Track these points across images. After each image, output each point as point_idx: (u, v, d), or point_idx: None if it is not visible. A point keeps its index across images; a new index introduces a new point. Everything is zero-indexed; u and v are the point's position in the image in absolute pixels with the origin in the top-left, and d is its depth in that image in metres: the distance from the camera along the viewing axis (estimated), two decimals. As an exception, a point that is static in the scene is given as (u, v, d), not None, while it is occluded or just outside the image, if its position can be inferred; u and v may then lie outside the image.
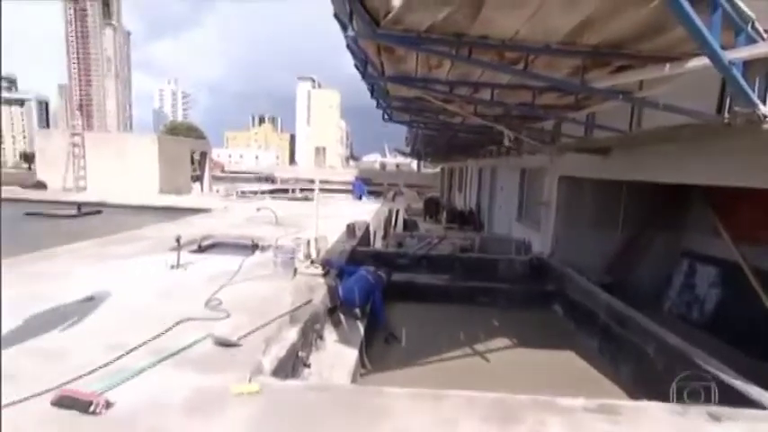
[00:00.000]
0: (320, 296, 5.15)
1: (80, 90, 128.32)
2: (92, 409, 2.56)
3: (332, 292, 5.34)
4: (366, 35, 3.00)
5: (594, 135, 5.87)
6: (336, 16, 3.35)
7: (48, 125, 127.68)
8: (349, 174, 44.74)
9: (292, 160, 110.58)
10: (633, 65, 3.20)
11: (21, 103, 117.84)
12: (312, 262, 5.94)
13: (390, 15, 2.74)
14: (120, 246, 7.55)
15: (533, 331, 6.82)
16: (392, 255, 8.56)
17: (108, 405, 2.62)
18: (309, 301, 4.80)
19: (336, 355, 4.61)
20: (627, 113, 5.15)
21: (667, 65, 2.85)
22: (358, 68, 4.15)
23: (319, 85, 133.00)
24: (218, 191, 21.92)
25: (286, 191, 34.89)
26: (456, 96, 4.57)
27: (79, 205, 12.44)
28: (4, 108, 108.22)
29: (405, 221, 15.84)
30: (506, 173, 13.66)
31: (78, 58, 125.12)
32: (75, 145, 17.41)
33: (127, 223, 12.13)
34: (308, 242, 6.44)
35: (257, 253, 7.15)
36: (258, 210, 10.93)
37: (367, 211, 15.05)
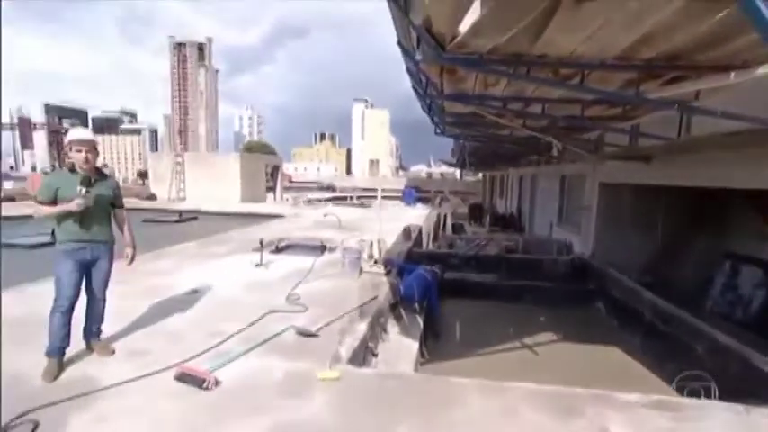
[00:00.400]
0: (384, 293, 5.09)
1: (179, 119, 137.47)
2: (205, 385, 2.64)
3: (394, 288, 5.26)
4: (432, 59, 2.92)
5: (639, 143, 5.42)
6: (400, 44, 3.29)
7: (156, 148, 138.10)
8: (398, 182, 44.73)
9: (349, 172, 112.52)
10: (689, 75, 2.90)
11: (138, 132, 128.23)
12: (375, 262, 5.90)
13: (456, 40, 2.64)
14: (215, 246, 7.88)
15: (578, 328, 6.39)
16: (444, 255, 8.37)
17: (217, 383, 2.69)
18: (375, 298, 4.75)
19: (399, 346, 4.51)
20: (673, 121, 4.71)
21: (732, 73, 2.54)
22: (416, 90, 4.07)
23: (372, 106, 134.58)
24: (287, 199, 22.60)
25: (344, 198, 35.32)
26: (508, 111, 4.38)
27: (180, 213, 13.21)
28: (127, 137, 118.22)
29: (453, 225, 15.53)
30: (546, 180, 13.07)
31: (179, 94, 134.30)
32: (177, 163, 18.57)
33: (218, 227, 12.77)
34: (371, 244, 6.41)
35: (326, 253, 7.21)
36: (325, 216, 11.10)
37: (418, 215, 14.93)
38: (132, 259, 3.27)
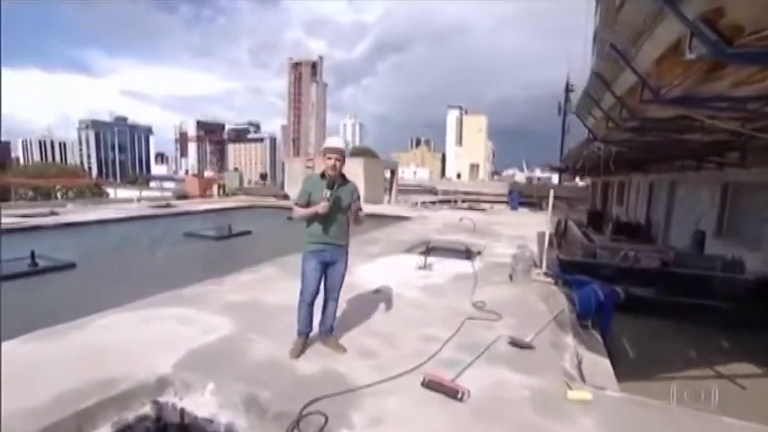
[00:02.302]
0: (564, 305, 4.64)
1: (293, 129, 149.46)
2: (459, 396, 2.52)
3: (572, 302, 4.78)
4: (711, 54, 2.45)
5: None
6: (613, 47, 2.84)
7: (275, 155, 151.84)
8: (498, 187, 42.80)
9: (443, 175, 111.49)
10: None
11: (261, 140, 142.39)
12: (546, 273, 5.46)
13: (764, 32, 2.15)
14: (367, 246, 8.05)
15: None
16: (594, 265, 7.57)
17: (469, 394, 2.56)
18: (562, 311, 4.34)
19: (593, 363, 4.04)
20: None
21: None
22: (649, 93, 3.56)
23: (466, 112, 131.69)
24: (400, 201, 22.89)
25: (448, 201, 34.67)
26: (746, 111, 3.65)
27: (318, 212, 14.00)
28: (252, 145, 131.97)
29: (583, 233, 14.18)
30: (692, 188, 11.23)
31: (295, 107, 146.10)
32: (308, 167, 19.87)
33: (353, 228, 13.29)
34: (529, 252, 5.97)
35: (477, 258, 6.93)
36: (461, 220, 10.85)
37: (538, 221, 13.91)
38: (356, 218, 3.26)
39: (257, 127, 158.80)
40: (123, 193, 26.88)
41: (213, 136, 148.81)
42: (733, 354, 5.43)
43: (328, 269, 3.14)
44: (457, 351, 3.25)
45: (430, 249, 7.87)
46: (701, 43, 2.48)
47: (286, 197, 20.80)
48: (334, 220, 3.07)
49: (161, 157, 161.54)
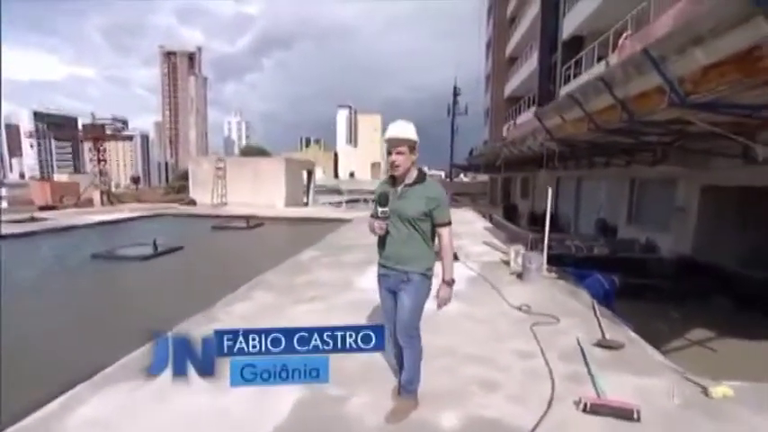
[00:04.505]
0: (586, 298, 4.82)
1: (170, 125, 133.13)
2: (635, 415, 2.32)
3: (589, 294, 5.01)
4: None
5: None
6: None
7: (148, 154, 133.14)
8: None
9: (336, 175, 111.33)
10: None
11: (129, 138, 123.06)
12: (548, 269, 5.65)
13: None
14: (343, 254, 7.42)
15: (718, 322, 6.27)
16: (556, 255, 8.18)
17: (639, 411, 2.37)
18: (594, 303, 4.50)
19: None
20: None
21: None
22: (675, 98, 3.83)
23: (356, 112, 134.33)
24: (323, 203, 22.02)
25: (357, 201, 34.54)
26: (747, 118, 4.22)
27: (247, 219, 12.52)
28: (119, 143, 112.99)
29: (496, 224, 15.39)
30: (594, 182, 13.16)
31: (170, 101, 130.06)
32: (219, 168, 17.72)
33: (295, 234, 12.18)
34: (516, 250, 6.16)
35: (463, 259, 6.89)
36: None
37: (470, 218, 14.70)
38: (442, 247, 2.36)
39: (124, 123, 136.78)
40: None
41: (61, 132, 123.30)
42: (684, 323, 6.39)
43: (396, 301, 2.30)
44: (560, 363, 3.05)
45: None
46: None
47: (192, 203, 18.23)
48: (399, 238, 2.23)
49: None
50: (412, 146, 2.21)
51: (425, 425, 2.27)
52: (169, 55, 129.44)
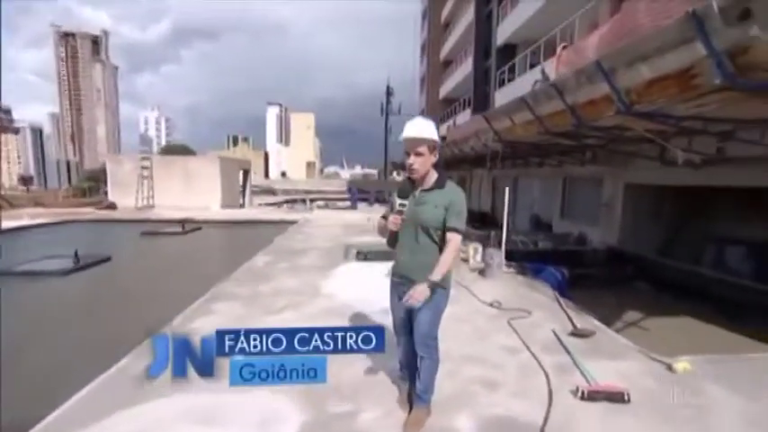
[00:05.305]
0: (548, 291, 5.20)
1: (72, 119, 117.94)
2: (625, 398, 2.55)
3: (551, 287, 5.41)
4: (724, 82, 3.18)
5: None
6: None
7: (42, 150, 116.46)
8: (337, 184, 44.13)
9: (267, 175, 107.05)
10: None
11: (16, 131, 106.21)
12: (507, 264, 5.98)
13: None
14: (296, 258, 7.18)
15: (635, 306, 7.10)
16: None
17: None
18: (556, 295, 4.86)
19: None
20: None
21: None
22: (621, 106, 4.27)
23: (286, 110, 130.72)
24: (260, 204, 20.99)
25: (294, 201, 33.61)
26: (682, 128, 4.82)
27: (182, 223, 11.52)
28: (1, 137, 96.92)
29: None
30: (528, 180, 14.23)
31: (70, 91, 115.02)
32: (144, 167, 16.07)
33: (241, 237, 11.43)
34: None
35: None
36: (369, 220, 10.69)
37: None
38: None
39: (6, 113, 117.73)
40: None
41: None
42: (618, 307, 7.17)
43: (411, 310, 2.19)
44: (545, 355, 3.25)
45: (366, 254, 7.57)
46: (717, 71, 3.17)
47: (112, 207, 16.31)
48: (411, 245, 2.14)
49: None
50: (432, 146, 2.08)
51: (445, 431, 2.28)
52: (67, 36, 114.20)
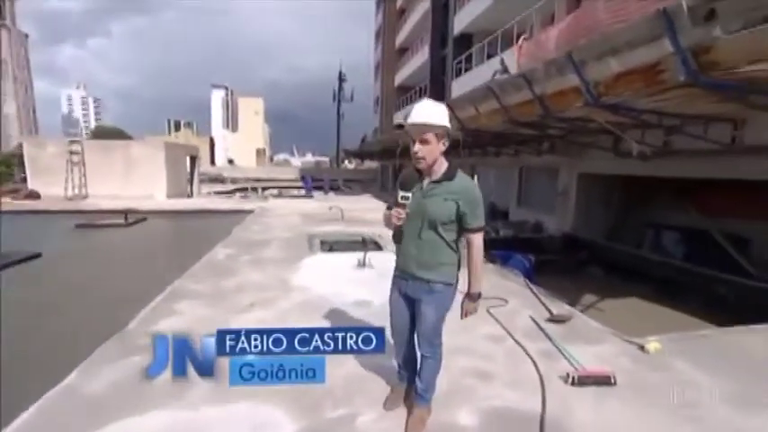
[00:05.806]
0: (518, 278, 5.35)
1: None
2: (612, 381, 2.66)
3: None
4: (688, 80, 3.38)
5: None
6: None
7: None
8: (290, 171, 42.91)
9: (212, 162, 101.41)
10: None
11: None
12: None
13: (737, 70, 3.15)
14: (257, 249, 6.83)
15: (590, 289, 7.61)
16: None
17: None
18: (527, 282, 5.02)
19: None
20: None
21: None
22: (589, 98, 4.43)
23: (232, 93, 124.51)
24: (210, 193, 19.78)
25: (245, 189, 32.24)
26: (641, 120, 5.08)
27: (126, 214, 10.54)
28: None
29: None
30: (485, 169, 14.66)
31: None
32: (73, 152, 14.45)
33: (192, 229, 10.65)
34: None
35: (388, 248, 6.96)
36: (331, 209, 10.40)
37: (376, 205, 14.94)
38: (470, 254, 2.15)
39: None
40: None
41: None
42: (576, 290, 7.62)
43: (414, 308, 2.14)
44: (528, 342, 3.32)
45: (331, 245, 7.42)
46: (682, 68, 3.37)
47: (35, 196, 14.56)
48: (417, 240, 2.01)
49: None
50: (440, 133, 1.91)
51: (448, 428, 2.24)
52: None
